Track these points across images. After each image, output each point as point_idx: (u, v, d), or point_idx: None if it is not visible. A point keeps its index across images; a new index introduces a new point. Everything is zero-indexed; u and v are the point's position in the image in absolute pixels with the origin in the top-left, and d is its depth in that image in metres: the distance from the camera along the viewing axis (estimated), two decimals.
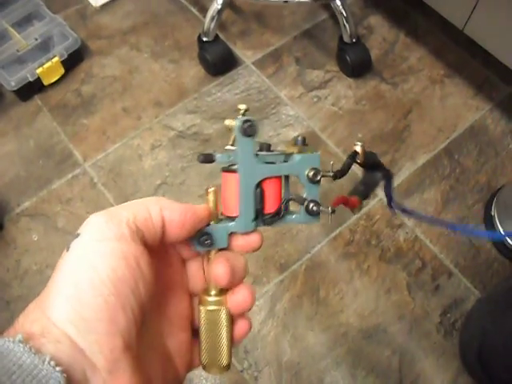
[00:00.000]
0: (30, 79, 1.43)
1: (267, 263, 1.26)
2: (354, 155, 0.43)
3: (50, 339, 0.28)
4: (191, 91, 1.52)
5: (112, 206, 0.34)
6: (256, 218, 0.39)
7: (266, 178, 0.38)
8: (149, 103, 1.50)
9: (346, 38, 1.49)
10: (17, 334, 0.27)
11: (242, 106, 0.38)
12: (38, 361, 0.26)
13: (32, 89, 1.48)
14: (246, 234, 0.39)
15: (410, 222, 1.32)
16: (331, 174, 0.41)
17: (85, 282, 0.29)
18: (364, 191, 0.46)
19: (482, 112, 1.50)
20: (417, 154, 1.43)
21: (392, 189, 0.52)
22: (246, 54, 1.60)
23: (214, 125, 1.45)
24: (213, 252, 0.39)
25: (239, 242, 0.39)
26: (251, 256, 1.25)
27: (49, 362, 0.26)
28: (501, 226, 1.28)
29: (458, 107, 1.51)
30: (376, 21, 1.67)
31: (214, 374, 0.39)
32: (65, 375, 0.26)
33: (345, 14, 1.45)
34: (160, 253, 0.37)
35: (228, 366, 0.39)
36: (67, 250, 0.31)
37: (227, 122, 0.38)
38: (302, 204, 0.40)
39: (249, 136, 0.37)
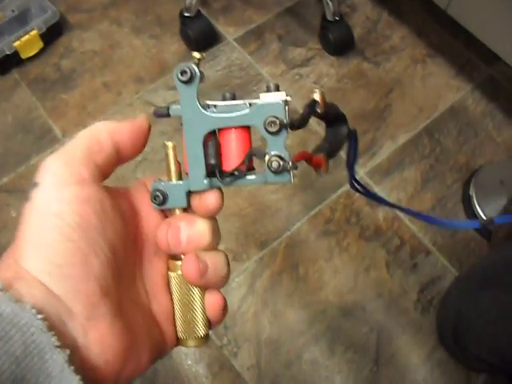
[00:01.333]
0: (7, 52, 1.40)
1: (247, 240, 1.27)
2: (312, 104, 0.37)
3: (23, 284, 0.28)
4: (172, 67, 1.51)
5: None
6: (211, 176, 0.35)
7: (222, 130, 0.35)
8: (129, 79, 1.48)
9: (329, 16, 1.48)
10: None
11: (196, 55, 0.35)
12: (19, 309, 0.26)
13: (9, 62, 1.45)
14: (202, 192, 0.35)
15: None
16: (287, 122, 0.35)
17: (52, 230, 0.29)
18: (329, 149, 0.40)
19: (463, 92, 1.51)
20: (397, 133, 1.43)
21: (355, 160, 0.46)
22: (228, 31, 1.58)
23: None
24: (176, 211, 0.37)
25: (195, 201, 0.36)
26: (231, 233, 1.26)
27: (29, 310, 0.26)
28: (478, 205, 1.29)
29: (439, 87, 1.52)
30: None
31: (193, 346, 0.38)
32: (46, 323, 0.26)
33: None
34: (139, 210, 0.37)
35: (206, 338, 0.37)
36: (28, 201, 0.31)
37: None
38: (263, 160, 0.35)
39: (185, 83, 0.34)
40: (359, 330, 1.20)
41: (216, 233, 0.37)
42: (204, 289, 0.36)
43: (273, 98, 0.35)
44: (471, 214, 1.31)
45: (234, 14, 1.61)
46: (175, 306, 0.37)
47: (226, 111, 0.35)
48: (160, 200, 0.36)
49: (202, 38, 1.50)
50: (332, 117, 0.41)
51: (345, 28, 1.52)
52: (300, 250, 1.26)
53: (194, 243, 0.35)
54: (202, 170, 0.35)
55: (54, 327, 0.27)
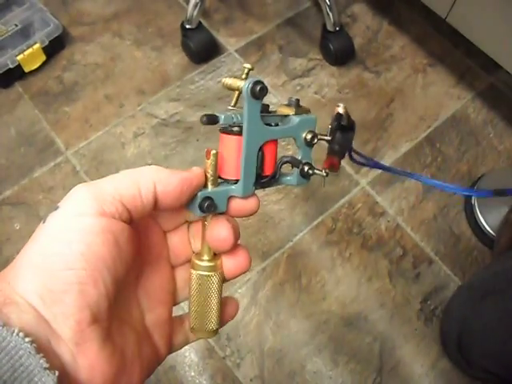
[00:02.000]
0: (11, 66, 1.41)
1: (249, 251, 1.26)
2: (339, 117, 0.43)
3: (12, 309, 0.27)
4: (174, 79, 1.51)
5: None
6: (256, 182, 0.38)
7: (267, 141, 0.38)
8: (131, 91, 1.49)
9: (330, 27, 1.49)
10: None
11: (247, 66, 0.37)
12: (6, 333, 0.26)
13: (12, 76, 1.46)
14: (246, 197, 0.38)
15: (391, 211, 1.33)
16: (328, 137, 0.41)
17: (56, 255, 0.29)
18: (339, 151, 0.46)
19: (464, 101, 1.51)
20: (399, 142, 1.44)
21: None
22: (230, 42, 1.59)
23: (197, 112, 1.45)
24: (209, 217, 0.38)
25: (238, 205, 0.38)
26: None
27: (17, 334, 0.26)
28: (481, 214, 1.29)
29: (440, 96, 1.52)
30: (359, 9, 1.67)
31: (202, 337, 0.40)
32: (34, 345, 0.26)
33: (328, 2, 1.45)
34: (139, 225, 0.36)
35: (215, 331, 0.40)
36: (43, 222, 0.31)
37: (229, 80, 0.37)
38: (297, 167, 0.40)
39: (257, 98, 0.35)
40: (362, 340, 1.19)
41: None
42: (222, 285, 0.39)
43: (307, 114, 0.40)
44: (473, 222, 1.31)
45: (235, 25, 1.62)
46: (193, 301, 0.39)
47: (268, 122, 0.38)
48: (212, 208, 0.36)
49: (203, 49, 1.51)
50: (349, 126, 0.46)
51: (345, 38, 1.53)
52: (302, 260, 1.27)
53: (238, 240, 0.39)
54: (253, 178, 0.38)
55: (43, 350, 0.27)
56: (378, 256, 1.28)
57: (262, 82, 0.35)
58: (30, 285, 0.28)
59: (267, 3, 1.67)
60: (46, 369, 0.26)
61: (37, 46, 1.44)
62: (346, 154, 0.53)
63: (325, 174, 0.40)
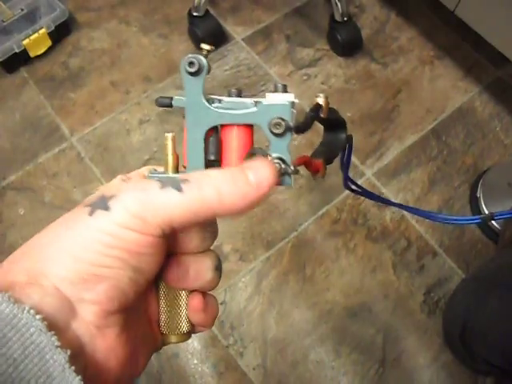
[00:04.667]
0: (16, 50, 1.41)
1: (254, 240, 1.27)
2: (316, 108, 0.36)
3: (35, 289, 0.27)
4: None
5: (99, 181, 0.32)
6: None
7: (225, 127, 0.35)
8: (137, 78, 1.49)
9: (338, 17, 1.48)
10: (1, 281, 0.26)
11: (205, 46, 0.34)
12: (18, 310, 0.25)
13: (18, 60, 1.46)
14: None
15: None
16: (294, 125, 0.34)
17: (98, 254, 0.29)
18: (327, 153, 0.39)
19: (471, 94, 1.51)
20: (405, 134, 1.43)
21: (349, 163, 0.45)
22: (236, 30, 1.58)
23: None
24: None
25: None
26: (238, 233, 1.26)
27: (28, 311, 0.25)
28: (486, 207, 1.29)
29: (446, 89, 1.51)
30: (367, 0, 1.66)
31: (174, 342, 0.38)
32: (45, 323, 0.26)
33: None
34: None
35: (187, 335, 0.38)
36: (90, 215, 0.30)
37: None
38: None
39: (192, 75, 0.33)
40: (365, 331, 1.20)
41: (207, 235, 0.36)
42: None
43: (280, 99, 0.34)
44: (479, 215, 1.30)
45: (243, 13, 1.61)
46: (161, 301, 0.37)
47: (232, 108, 0.34)
48: None
49: (210, 37, 1.50)
50: (333, 122, 0.40)
51: (353, 29, 1.52)
52: (307, 250, 1.26)
53: (182, 247, 0.35)
54: (201, 166, 0.35)
55: (60, 330, 0.27)
56: (383, 247, 1.28)
57: (196, 57, 0.33)
58: (63, 271, 0.28)
59: None
60: (57, 347, 0.26)
61: (42, 30, 1.43)
62: (343, 183, 0.48)
63: (292, 170, 0.34)
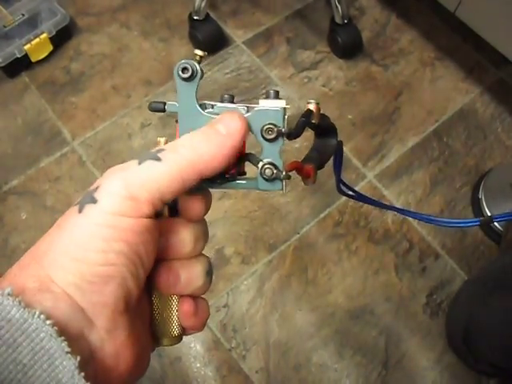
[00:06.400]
0: (18, 55, 1.41)
1: (256, 243, 1.27)
2: (308, 114, 0.36)
3: (47, 296, 0.27)
4: None
5: None
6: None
7: None
8: (138, 82, 1.49)
9: (338, 19, 1.48)
10: (7, 286, 0.26)
11: (198, 52, 0.34)
12: (28, 315, 0.25)
13: (19, 65, 1.46)
14: (189, 196, 0.34)
15: (398, 204, 1.33)
16: (286, 131, 0.34)
17: (96, 252, 0.29)
18: (318, 159, 0.39)
19: (472, 95, 1.51)
20: (406, 136, 1.43)
21: (341, 168, 0.45)
22: (237, 34, 1.58)
23: None
24: (166, 210, 0.36)
25: (182, 202, 0.35)
26: (240, 236, 1.26)
27: (39, 316, 0.25)
28: (488, 208, 1.29)
29: (448, 90, 1.51)
30: (368, 2, 1.66)
31: (166, 345, 0.38)
32: (56, 328, 0.25)
33: None
34: None
35: (179, 337, 0.38)
36: (79, 212, 0.30)
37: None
38: (257, 166, 0.34)
39: (185, 80, 0.34)
40: (368, 333, 1.19)
41: (199, 240, 0.36)
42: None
43: (272, 105, 0.34)
44: (480, 217, 1.30)
45: (243, 16, 1.62)
46: (153, 305, 0.37)
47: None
48: None
49: (210, 41, 1.50)
50: (324, 128, 0.41)
51: (353, 31, 1.52)
52: (309, 253, 1.26)
53: (174, 252, 0.35)
54: None
55: (70, 336, 0.27)
56: (385, 249, 1.28)
57: (188, 64, 0.33)
58: (69, 276, 0.28)
59: None
60: (67, 353, 0.25)
61: (44, 35, 1.44)
62: (336, 187, 0.48)
63: (283, 176, 0.34)
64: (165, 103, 0.35)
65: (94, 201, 0.30)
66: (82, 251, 0.29)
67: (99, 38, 1.56)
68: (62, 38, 1.51)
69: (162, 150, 0.31)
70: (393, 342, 1.19)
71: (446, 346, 1.18)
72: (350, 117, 1.44)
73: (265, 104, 0.34)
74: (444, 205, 1.34)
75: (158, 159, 0.30)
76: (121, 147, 1.38)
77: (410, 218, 1.31)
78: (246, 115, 0.34)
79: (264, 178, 0.34)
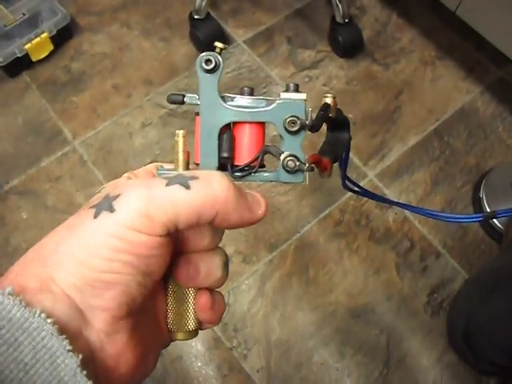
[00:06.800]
0: (19, 55, 1.41)
1: (257, 242, 1.27)
2: (326, 108, 0.36)
3: (47, 296, 0.27)
4: (182, 69, 1.51)
5: (102, 184, 0.31)
6: (222, 169, 0.35)
7: (237, 124, 0.35)
8: (139, 81, 1.49)
9: (339, 18, 1.48)
10: (8, 285, 0.26)
11: (219, 44, 0.35)
12: (29, 314, 0.25)
13: (20, 65, 1.46)
14: None
15: None
16: (309, 123, 0.34)
17: (104, 260, 0.28)
18: (332, 152, 0.39)
19: (473, 94, 1.51)
20: (407, 135, 1.43)
21: (347, 163, 0.46)
22: (238, 33, 1.58)
23: None
24: None
25: None
26: (240, 235, 1.26)
27: (39, 315, 0.25)
28: (489, 207, 1.29)
29: (448, 89, 1.51)
30: (368, 1, 1.66)
31: (181, 339, 0.37)
32: (56, 326, 0.25)
33: None
34: None
35: (195, 332, 0.38)
36: (94, 217, 0.29)
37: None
38: (279, 158, 0.35)
39: (208, 72, 0.34)
40: (369, 332, 1.19)
41: (217, 233, 0.36)
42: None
43: (294, 97, 0.35)
44: None
45: (244, 16, 1.61)
46: (169, 299, 0.37)
47: (245, 105, 0.35)
48: None
49: (211, 40, 1.48)
50: (338, 121, 0.41)
51: (354, 30, 1.52)
52: (310, 252, 1.26)
53: (193, 245, 0.35)
54: (215, 163, 0.35)
55: (72, 336, 0.26)
56: (386, 248, 1.28)
57: (212, 55, 0.34)
58: (71, 277, 0.28)
59: None
60: (69, 351, 0.25)
61: (44, 35, 1.44)
62: (341, 182, 0.48)
63: (307, 168, 0.34)
64: (184, 95, 0.36)
65: (111, 209, 0.29)
66: (88, 257, 0.28)
67: (100, 38, 1.56)
68: (62, 37, 1.51)
69: (196, 177, 0.30)
70: (394, 341, 1.19)
71: (446, 345, 1.18)
72: (350, 116, 1.44)
73: (286, 96, 0.35)
74: (445, 204, 1.34)
75: (188, 187, 0.30)
76: (121, 147, 1.38)
77: (411, 217, 1.31)
78: (267, 108, 0.35)
79: (286, 171, 0.35)
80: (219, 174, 0.32)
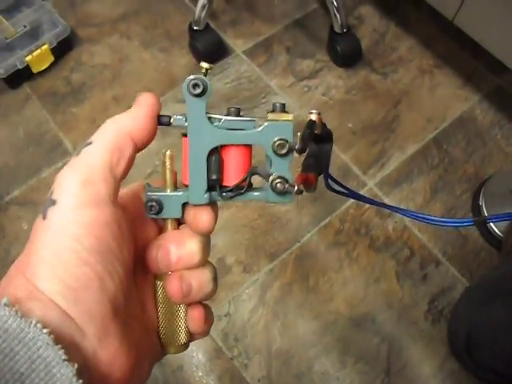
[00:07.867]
0: (19, 67, 1.42)
1: (257, 251, 1.27)
2: (311, 125, 0.36)
3: (37, 304, 0.27)
4: (181, 80, 1.50)
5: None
6: (211, 190, 0.35)
7: (225, 146, 0.35)
8: (139, 92, 1.49)
9: (337, 28, 1.49)
10: (1, 297, 0.26)
11: (205, 65, 0.35)
12: (25, 324, 0.25)
13: (21, 76, 1.47)
14: (197, 208, 0.35)
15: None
16: (298, 147, 0.34)
17: (68, 252, 0.29)
18: (316, 165, 0.39)
19: (471, 103, 1.51)
20: (406, 143, 1.44)
21: (329, 162, 0.46)
22: (237, 43, 1.59)
23: None
24: (169, 222, 0.37)
25: (190, 214, 0.36)
26: (241, 245, 1.26)
27: (35, 325, 0.25)
28: (488, 215, 1.29)
29: (447, 98, 1.52)
30: (367, 11, 1.67)
31: (173, 353, 0.38)
32: (52, 336, 0.26)
33: (336, 4, 1.45)
34: (137, 220, 0.36)
35: (186, 345, 0.38)
36: (44, 218, 0.30)
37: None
38: (267, 180, 0.35)
39: (196, 96, 0.34)
40: (370, 341, 1.19)
41: (206, 249, 0.37)
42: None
43: (281, 119, 0.35)
44: (481, 224, 1.31)
45: (243, 26, 1.62)
46: (160, 314, 0.37)
47: (232, 127, 0.35)
48: (156, 210, 0.35)
49: (210, 51, 1.51)
50: (323, 135, 0.41)
51: (353, 40, 1.53)
52: (310, 261, 1.27)
53: (183, 263, 0.36)
54: (204, 184, 0.35)
55: (66, 345, 0.27)
56: (386, 257, 1.28)
57: (199, 79, 0.34)
58: (49, 284, 0.28)
59: (274, 4, 1.67)
60: (65, 360, 0.26)
61: (45, 46, 1.45)
62: (323, 179, 0.47)
63: (296, 191, 0.35)
64: (170, 117, 0.35)
65: (53, 203, 0.30)
66: (54, 256, 0.29)
67: (100, 49, 1.57)
68: (63, 48, 1.52)
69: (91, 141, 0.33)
70: (395, 349, 1.19)
71: (448, 353, 1.18)
72: (350, 125, 1.45)
73: (273, 118, 0.35)
74: (445, 212, 1.34)
75: (90, 143, 0.32)
76: None
77: (411, 226, 1.31)
78: (255, 130, 0.35)
79: (275, 192, 0.35)
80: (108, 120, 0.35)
